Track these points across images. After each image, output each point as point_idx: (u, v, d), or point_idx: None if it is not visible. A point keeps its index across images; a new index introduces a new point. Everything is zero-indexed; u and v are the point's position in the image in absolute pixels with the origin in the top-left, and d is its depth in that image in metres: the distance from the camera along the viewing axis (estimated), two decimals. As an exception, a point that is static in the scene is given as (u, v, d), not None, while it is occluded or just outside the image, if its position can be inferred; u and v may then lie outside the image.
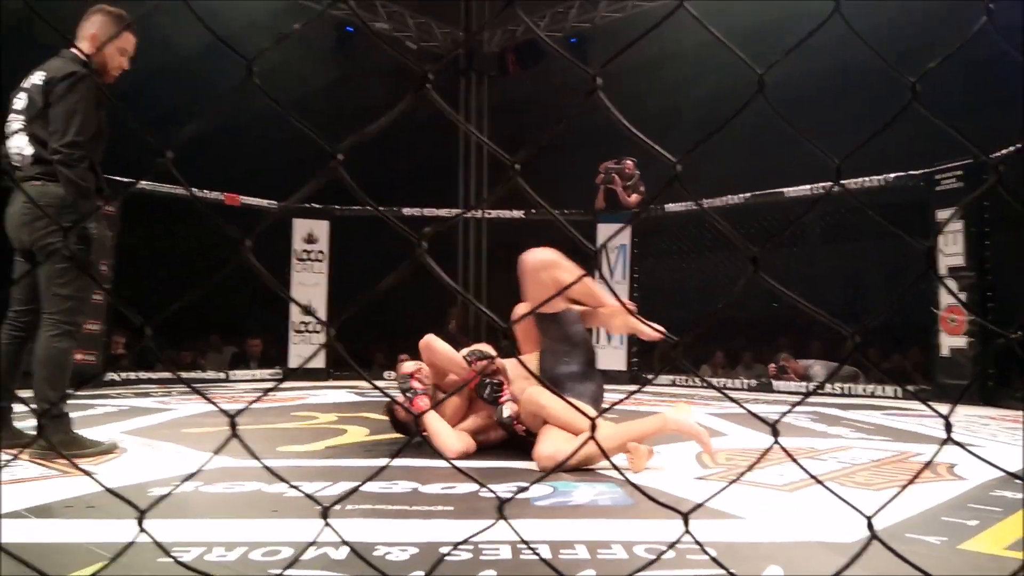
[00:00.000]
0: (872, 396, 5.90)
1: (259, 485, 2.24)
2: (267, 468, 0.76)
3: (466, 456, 2.81)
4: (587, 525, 1.84)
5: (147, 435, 3.32)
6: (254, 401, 0.90)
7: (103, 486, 0.87)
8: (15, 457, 2.60)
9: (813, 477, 0.75)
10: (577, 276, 2.61)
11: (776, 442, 0.66)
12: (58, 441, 2.68)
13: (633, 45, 0.68)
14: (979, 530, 1.80)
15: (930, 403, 0.82)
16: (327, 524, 0.69)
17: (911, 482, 0.68)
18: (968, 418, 4.36)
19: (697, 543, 0.73)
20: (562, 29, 9.47)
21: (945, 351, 5.53)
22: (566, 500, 2.11)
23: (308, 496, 0.82)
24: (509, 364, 2.98)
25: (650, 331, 2.51)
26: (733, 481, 0.76)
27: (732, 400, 0.80)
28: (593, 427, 0.74)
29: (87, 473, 0.82)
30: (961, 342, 5.43)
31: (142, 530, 0.74)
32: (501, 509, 0.70)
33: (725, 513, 1.96)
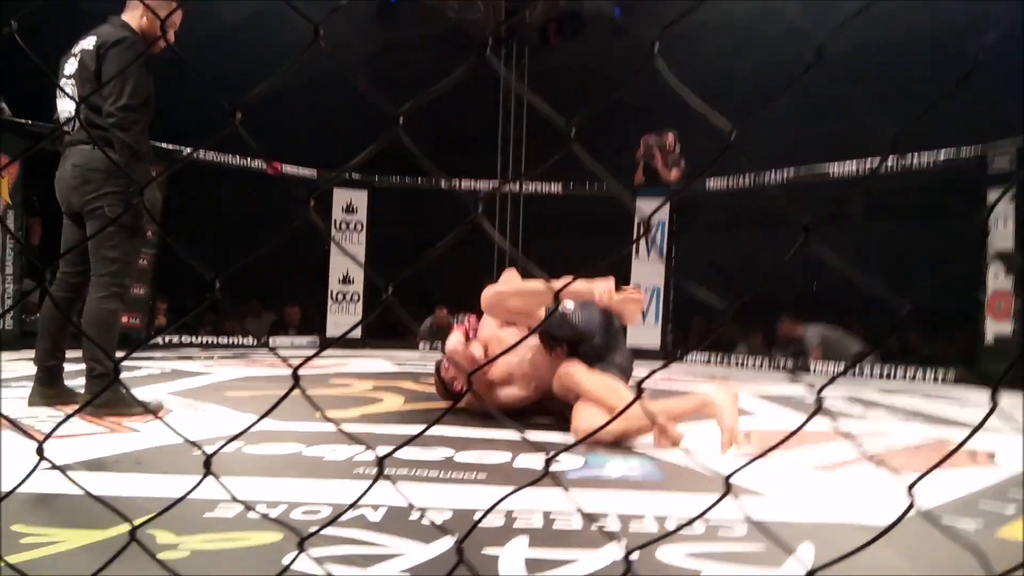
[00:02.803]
0: (912, 380, 5.81)
1: (299, 447, 2.30)
2: (337, 426, 0.78)
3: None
4: (619, 496, 1.86)
5: (191, 396, 3.42)
6: (315, 355, 0.94)
7: (181, 436, 0.91)
8: (70, 416, 2.70)
9: (859, 449, 0.75)
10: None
11: (819, 409, 0.66)
12: (106, 400, 2.77)
13: (688, 14, 0.67)
14: (1017, 517, 1.78)
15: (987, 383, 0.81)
16: (383, 475, 0.71)
17: (956, 450, 0.68)
18: (1011, 406, 4.27)
19: (746, 516, 0.74)
20: (606, -1, 9.32)
21: (990, 338, 5.40)
22: (598, 473, 2.14)
23: (368, 446, 0.84)
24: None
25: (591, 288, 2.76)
26: (775, 447, 0.77)
27: (794, 378, 0.80)
28: (639, 394, 0.75)
29: (168, 426, 0.86)
30: (1007, 328, 5.30)
31: (209, 472, 0.77)
32: (548, 464, 0.72)
33: (758, 492, 1.96)
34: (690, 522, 0.82)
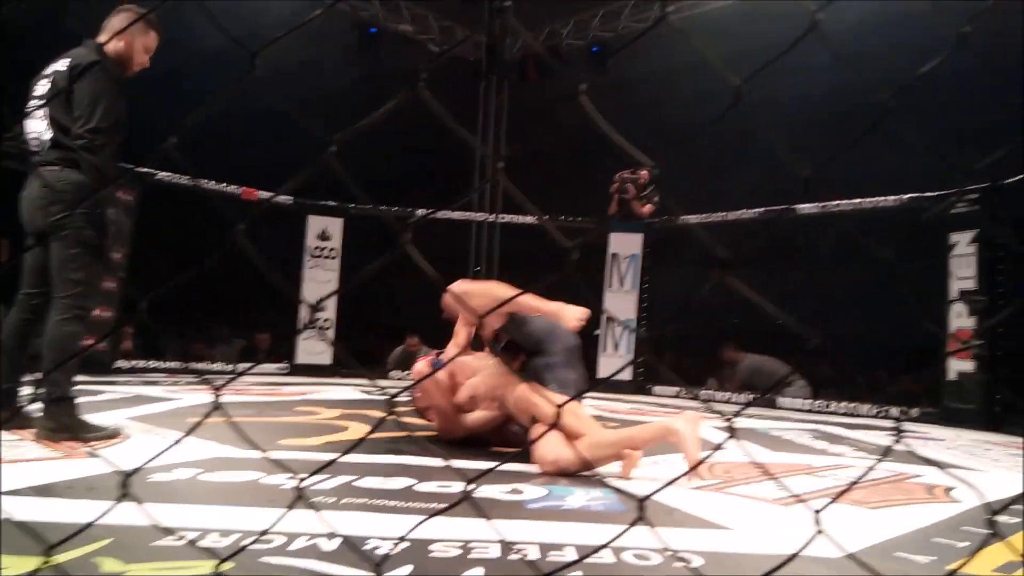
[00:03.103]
0: (876, 416, 5.88)
1: (258, 475, 2.27)
2: (262, 453, 0.78)
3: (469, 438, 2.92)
4: (578, 529, 1.85)
5: (151, 423, 3.36)
6: (243, 372, 0.93)
7: (110, 464, 0.90)
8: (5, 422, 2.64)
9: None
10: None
11: (730, 437, 0.67)
12: (62, 424, 2.72)
13: (626, 48, 0.70)
14: (967, 552, 1.80)
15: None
16: (300, 496, 0.71)
17: (855, 483, 0.70)
18: (972, 442, 4.33)
19: (664, 545, 0.75)
20: (585, 37, 9.51)
21: (952, 375, 5.49)
22: (559, 504, 2.13)
23: (313, 474, 0.84)
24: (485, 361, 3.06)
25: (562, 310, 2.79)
26: (683, 475, 0.78)
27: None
28: (559, 414, 0.76)
29: (93, 454, 0.85)
30: (969, 366, 5.39)
31: (124, 496, 0.76)
32: (469, 485, 0.72)
33: (716, 524, 1.97)
34: (595, 550, 0.82)
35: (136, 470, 0.82)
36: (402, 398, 3.65)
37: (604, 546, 0.81)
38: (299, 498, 0.71)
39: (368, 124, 0.69)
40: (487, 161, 10.14)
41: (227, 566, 1.40)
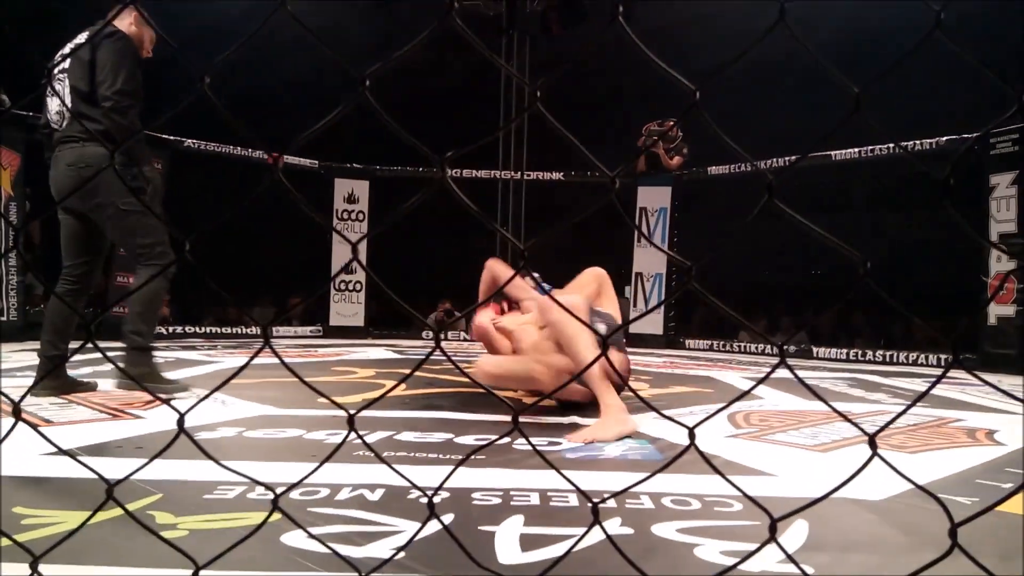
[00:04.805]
0: (915, 364, 5.81)
1: (300, 432, 2.32)
2: (297, 376, 0.79)
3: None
4: (616, 477, 1.87)
5: (194, 385, 3.43)
6: (285, 314, 0.94)
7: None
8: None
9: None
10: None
11: (780, 364, 0.67)
12: (140, 373, 2.84)
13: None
14: (1013, 492, 1.78)
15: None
16: (353, 430, 0.72)
17: (916, 401, 0.69)
18: (1011, 387, 4.27)
19: (703, 456, 0.75)
20: (607, -13, 9.30)
21: (992, 320, 5.39)
22: (596, 454, 2.14)
23: (335, 403, 0.85)
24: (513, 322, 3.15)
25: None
26: (730, 404, 0.78)
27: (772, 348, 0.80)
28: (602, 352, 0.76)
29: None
30: (1009, 311, 5.29)
31: (181, 430, 0.78)
32: (516, 420, 0.73)
33: (756, 470, 1.97)
34: (653, 474, 0.82)
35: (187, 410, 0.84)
36: (435, 358, 3.69)
37: (658, 471, 0.81)
38: (351, 429, 0.72)
39: (402, 56, 0.68)
40: (511, 118, 10.02)
41: (275, 516, 1.43)
